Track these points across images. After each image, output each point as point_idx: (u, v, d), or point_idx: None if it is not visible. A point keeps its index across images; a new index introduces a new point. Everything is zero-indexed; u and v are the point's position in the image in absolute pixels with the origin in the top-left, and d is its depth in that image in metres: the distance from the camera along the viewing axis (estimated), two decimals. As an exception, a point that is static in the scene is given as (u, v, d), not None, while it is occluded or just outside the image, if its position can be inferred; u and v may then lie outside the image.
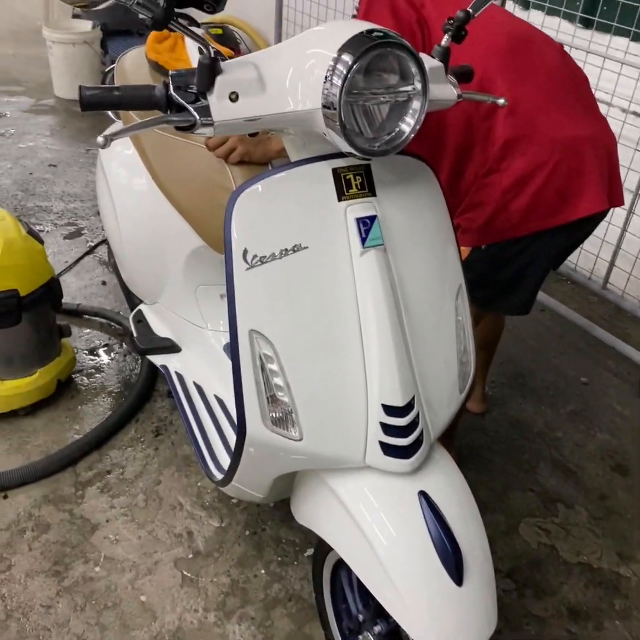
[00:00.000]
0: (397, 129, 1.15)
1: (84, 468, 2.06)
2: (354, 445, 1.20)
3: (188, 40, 1.97)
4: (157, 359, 2.00)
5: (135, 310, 2.09)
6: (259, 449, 1.25)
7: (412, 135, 1.16)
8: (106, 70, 2.17)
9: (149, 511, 1.94)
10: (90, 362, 2.46)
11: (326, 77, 1.06)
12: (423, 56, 1.26)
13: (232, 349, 1.20)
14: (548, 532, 2.00)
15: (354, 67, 1.05)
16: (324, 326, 1.18)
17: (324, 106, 1.08)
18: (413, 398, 1.20)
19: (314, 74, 1.09)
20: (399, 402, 1.18)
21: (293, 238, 1.18)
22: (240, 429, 1.22)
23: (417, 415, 1.21)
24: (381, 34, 1.10)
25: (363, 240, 1.18)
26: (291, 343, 1.18)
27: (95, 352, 2.50)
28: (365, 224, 1.19)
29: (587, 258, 3.05)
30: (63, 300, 2.28)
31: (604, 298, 3.04)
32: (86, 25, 4.68)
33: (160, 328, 2.02)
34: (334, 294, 1.18)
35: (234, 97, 1.09)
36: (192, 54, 1.91)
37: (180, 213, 1.81)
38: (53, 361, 2.23)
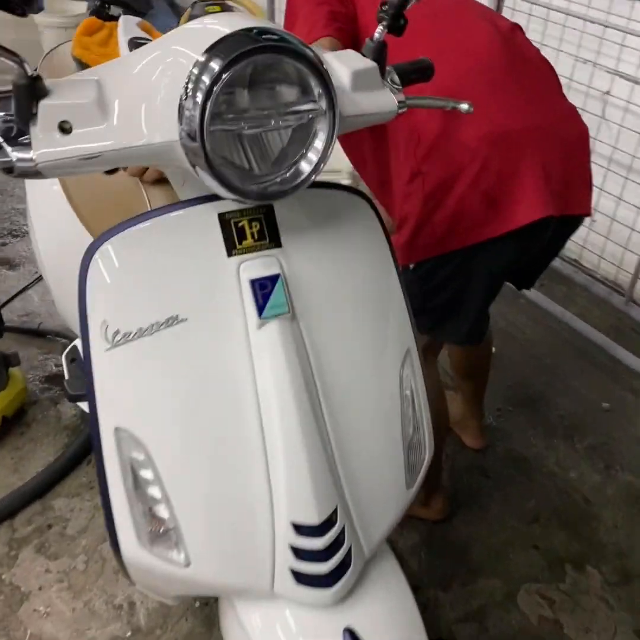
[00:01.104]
0: (299, 162, 0.85)
1: (22, 522, 1.84)
2: (257, 573, 0.93)
3: (121, 31, 1.66)
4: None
5: (69, 347, 1.83)
6: (140, 573, 0.98)
7: (322, 166, 0.86)
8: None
9: (88, 576, 1.71)
10: (46, 392, 2.22)
11: (186, 92, 0.77)
12: (347, 55, 0.95)
13: (95, 451, 0.93)
14: (552, 602, 1.70)
15: (224, 77, 0.76)
16: (211, 421, 0.90)
17: (185, 136, 0.78)
18: (334, 511, 0.92)
19: (173, 90, 0.79)
20: (313, 519, 0.90)
21: (167, 307, 0.90)
22: (114, 547, 0.95)
23: (342, 531, 0.93)
24: (271, 34, 0.80)
25: (261, 309, 0.90)
26: (168, 444, 0.90)
27: (53, 380, 2.26)
28: (264, 287, 0.90)
29: (608, 269, 2.68)
30: (24, 319, 2.05)
31: (627, 314, 2.65)
32: (81, 6, 4.40)
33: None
34: (224, 380, 0.90)
35: (66, 128, 0.80)
36: (122, 50, 1.61)
37: None
38: (-4, 398, 2.01)
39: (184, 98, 0.78)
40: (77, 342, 1.86)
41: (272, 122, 0.83)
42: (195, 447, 0.91)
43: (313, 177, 0.86)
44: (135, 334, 0.89)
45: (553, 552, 1.82)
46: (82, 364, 1.74)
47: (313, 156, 0.86)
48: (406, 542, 1.81)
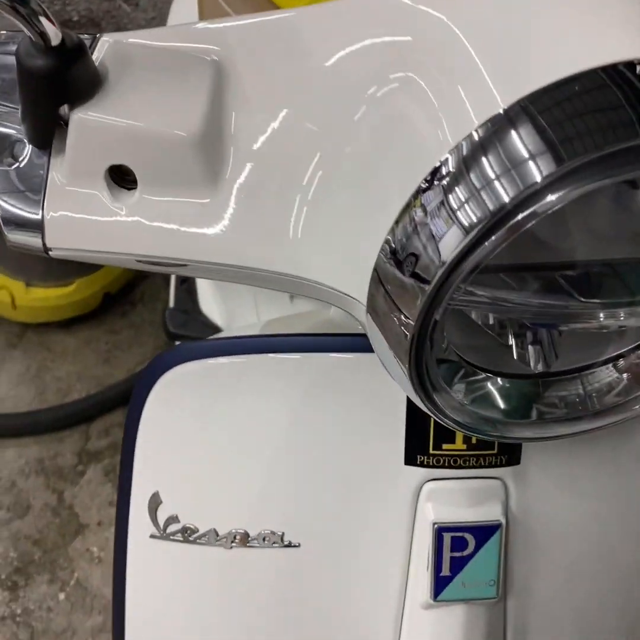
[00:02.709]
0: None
1: (99, 430, 1.60)
2: None
3: None
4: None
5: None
6: None
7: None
8: None
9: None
10: (161, 267, 1.89)
11: (419, 194, 0.31)
12: None
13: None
14: None
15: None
16: None
17: (382, 296, 0.32)
18: None
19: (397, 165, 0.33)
20: None
21: (263, 516, 0.47)
22: None
23: None
24: None
25: (441, 584, 0.45)
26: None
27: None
28: (461, 545, 0.44)
29: None
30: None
31: None
32: None
33: (210, 304, 1.28)
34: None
35: (125, 181, 0.34)
36: None
37: None
38: (99, 270, 1.70)
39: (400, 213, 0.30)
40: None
41: (602, 317, 0.33)
42: None
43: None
44: (202, 536, 0.48)
45: None
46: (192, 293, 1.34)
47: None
48: None
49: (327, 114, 0.34)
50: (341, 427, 0.47)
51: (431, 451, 0.46)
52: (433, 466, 0.46)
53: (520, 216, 0.29)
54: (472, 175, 0.30)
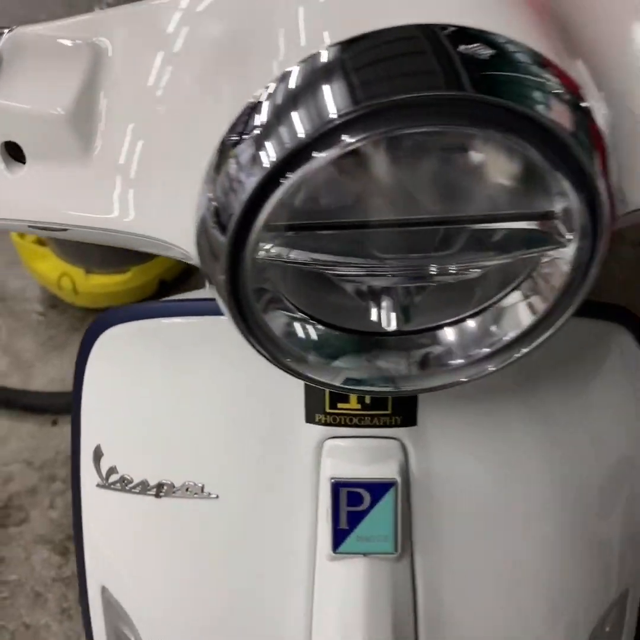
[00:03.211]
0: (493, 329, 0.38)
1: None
2: None
3: None
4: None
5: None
6: None
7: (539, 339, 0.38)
8: None
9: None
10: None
11: (223, 146, 0.34)
12: None
13: (81, 604, 0.63)
14: None
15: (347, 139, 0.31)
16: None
17: (204, 245, 0.34)
18: None
19: (214, 119, 0.35)
20: None
21: (191, 468, 0.52)
22: None
23: None
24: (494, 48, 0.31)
25: (339, 538, 0.48)
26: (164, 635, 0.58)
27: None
28: (357, 501, 0.47)
29: None
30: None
31: None
32: None
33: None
34: (259, 597, 0.53)
35: (17, 156, 0.40)
36: None
37: None
38: (155, 259, 1.78)
39: (214, 162, 0.32)
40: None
41: (433, 269, 0.34)
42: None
43: (504, 362, 0.38)
44: (136, 486, 0.53)
45: None
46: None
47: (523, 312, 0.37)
48: None
49: (178, 96, 0.37)
50: (251, 386, 0.50)
51: (327, 410, 0.48)
52: (331, 424, 0.48)
53: (316, 154, 0.30)
54: (275, 115, 0.31)
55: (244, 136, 0.31)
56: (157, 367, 0.53)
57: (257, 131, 0.31)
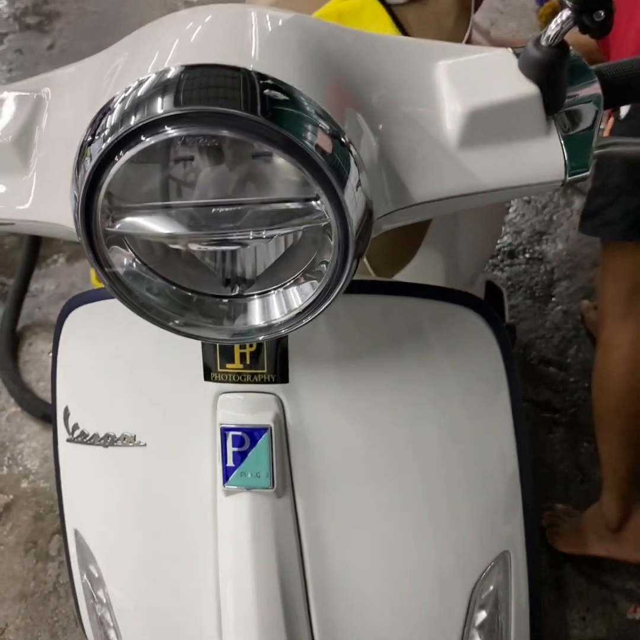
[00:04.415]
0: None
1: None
2: None
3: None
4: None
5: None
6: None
7: (323, 307, 0.49)
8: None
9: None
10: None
11: (82, 147, 0.47)
12: (470, 64, 0.52)
13: (64, 546, 0.77)
14: None
15: (136, 145, 0.45)
16: (165, 571, 0.67)
17: (74, 215, 0.48)
18: None
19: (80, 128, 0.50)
20: None
21: (124, 421, 0.66)
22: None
23: None
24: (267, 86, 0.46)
25: (227, 473, 0.59)
26: (119, 571, 0.71)
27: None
28: (240, 442, 0.58)
29: None
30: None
31: None
32: None
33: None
34: (181, 528, 0.65)
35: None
36: None
37: None
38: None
39: (76, 162, 0.46)
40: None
41: (235, 236, 0.46)
42: (147, 591, 0.69)
43: (296, 326, 0.49)
44: (91, 438, 0.67)
45: None
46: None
47: (308, 288, 0.48)
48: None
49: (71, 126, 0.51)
50: (165, 354, 0.63)
51: (219, 369, 0.60)
52: (222, 381, 0.60)
53: (144, 138, 0.42)
54: (120, 116, 0.43)
55: (96, 136, 0.45)
56: (105, 340, 0.67)
57: (106, 131, 0.44)
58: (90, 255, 0.47)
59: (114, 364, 0.66)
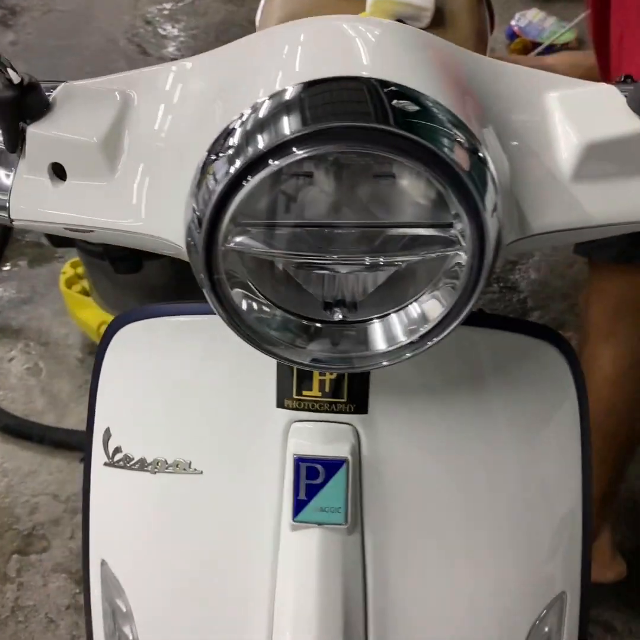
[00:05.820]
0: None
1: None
2: None
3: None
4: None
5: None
6: None
7: (436, 339, 0.47)
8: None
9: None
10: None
11: (203, 168, 0.44)
12: (585, 101, 0.51)
13: (83, 573, 0.72)
14: None
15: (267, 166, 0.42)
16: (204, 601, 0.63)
17: (188, 240, 0.45)
18: None
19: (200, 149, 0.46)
20: None
21: (179, 446, 0.61)
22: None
23: None
24: (405, 99, 0.42)
25: (298, 506, 0.56)
26: (152, 612, 0.65)
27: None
28: (314, 474, 0.55)
29: None
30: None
31: None
32: None
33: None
34: (234, 565, 0.61)
35: (60, 174, 0.52)
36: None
37: None
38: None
39: (196, 179, 0.43)
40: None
41: (366, 260, 0.45)
42: (184, 629, 0.64)
43: (421, 349, 0.47)
44: (136, 463, 0.62)
45: None
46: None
47: (425, 313, 0.47)
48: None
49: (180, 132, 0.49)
50: (232, 377, 0.60)
51: (294, 396, 0.57)
52: (297, 409, 0.57)
53: (272, 162, 0.40)
54: (244, 137, 0.41)
55: (220, 155, 0.42)
56: (158, 359, 0.63)
57: (230, 151, 0.42)
58: (205, 278, 0.44)
59: (169, 386, 0.62)
